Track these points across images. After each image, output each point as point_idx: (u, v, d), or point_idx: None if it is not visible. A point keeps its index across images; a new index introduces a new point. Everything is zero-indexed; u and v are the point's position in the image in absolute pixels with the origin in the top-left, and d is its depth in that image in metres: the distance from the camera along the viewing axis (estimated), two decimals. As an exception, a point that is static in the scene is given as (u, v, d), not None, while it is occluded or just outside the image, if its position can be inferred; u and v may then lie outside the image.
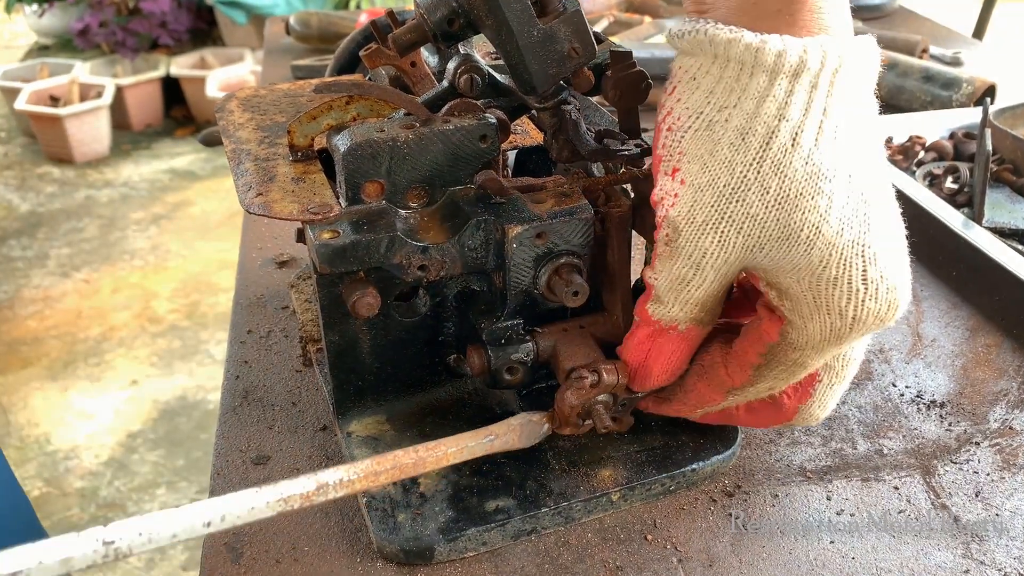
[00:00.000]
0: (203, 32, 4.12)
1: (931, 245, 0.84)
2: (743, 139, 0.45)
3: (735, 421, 0.58)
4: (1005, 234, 0.86)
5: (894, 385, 0.69)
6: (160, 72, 3.81)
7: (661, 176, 0.49)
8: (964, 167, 0.96)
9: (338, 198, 0.55)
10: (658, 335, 0.53)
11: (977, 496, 0.59)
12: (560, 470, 0.59)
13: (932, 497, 0.59)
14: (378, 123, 0.55)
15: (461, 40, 0.61)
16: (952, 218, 0.84)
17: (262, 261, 0.84)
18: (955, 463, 0.62)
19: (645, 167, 0.58)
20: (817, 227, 0.45)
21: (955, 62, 1.34)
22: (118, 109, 3.74)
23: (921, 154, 1.02)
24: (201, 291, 2.80)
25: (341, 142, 0.53)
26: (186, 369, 2.47)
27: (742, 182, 0.45)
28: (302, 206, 0.54)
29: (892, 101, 1.21)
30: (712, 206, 0.46)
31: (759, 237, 0.46)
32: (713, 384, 0.55)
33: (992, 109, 1.01)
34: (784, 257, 0.46)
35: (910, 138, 1.04)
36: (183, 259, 2.98)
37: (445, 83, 0.59)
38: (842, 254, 0.46)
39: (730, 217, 0.46)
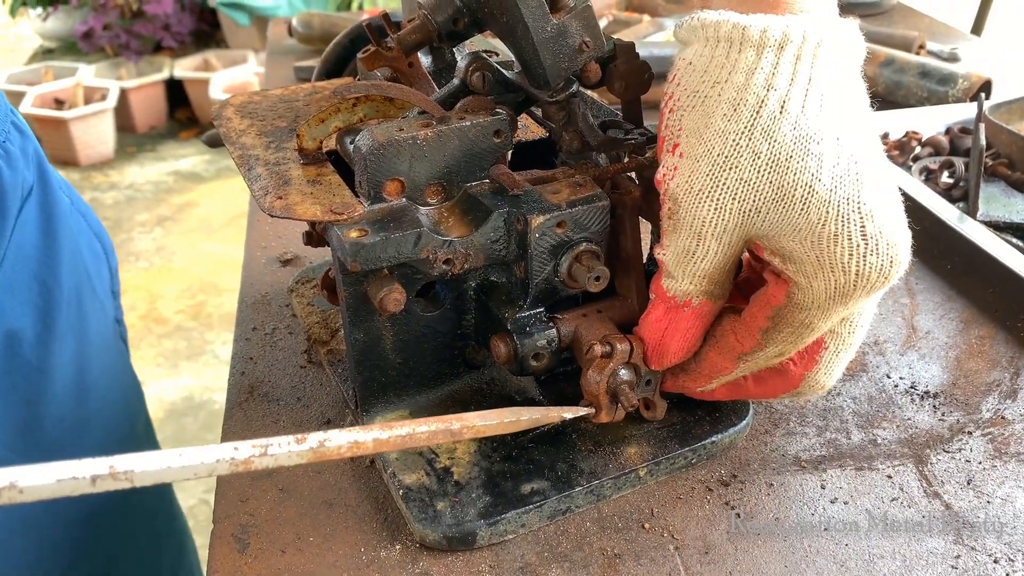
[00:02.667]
0: (206, 34, 4.15)
1: (926, 239, 0.85)
2: (735, 110, 0.48)
3: (744, 393, 0.59)
4: (1000, 228, 0.87)
5: (888, 376, 0.70)
6: (164, 74, 3.84)
7: (664, 154, 0.52)
8: (960, 162, 0.97)
9: (357, 197, 0.56)
10: (674, 311, 0.55)
11: (969, 484, 0.60)
12: (587, 450, 0.60)
13: (924, 486, 0.60)
14: (396, 123, 0.56)
15: (466, 39, 0.62)
16: (947, 212, 0.85)
17: (266, 260, 0.86)
18: (947, 452, 0.63)
19: (648, 155, 0.60)
20: (810, 186, 0.47)
21: (952, 58, 1.35)
22: (122, 112, 3.76)
23: (917, 149, 1.03)
24: (207, 292, 2.82)
25: (363, 142, 0.54)
26: (192, 370, 2.49)
27: (735, 150, 0.48)
28: (324, 207, 0.55)
29: (889, 97, 1.22)
30: (707, 175, 0.49)
31: (754, 201, 0.49)
32: (724, 351, 0.56)
33: (987, 104, 1.02)
34: (782, 219, 0.49)
35: (906, 133, 1.05)
36: (188, 260, 2.99)
37: (456, 81, 0.61)
38: (839, 210, 0.48)
39: (724, 184, 0.49)
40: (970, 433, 0.65)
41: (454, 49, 0.66)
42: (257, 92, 0.73)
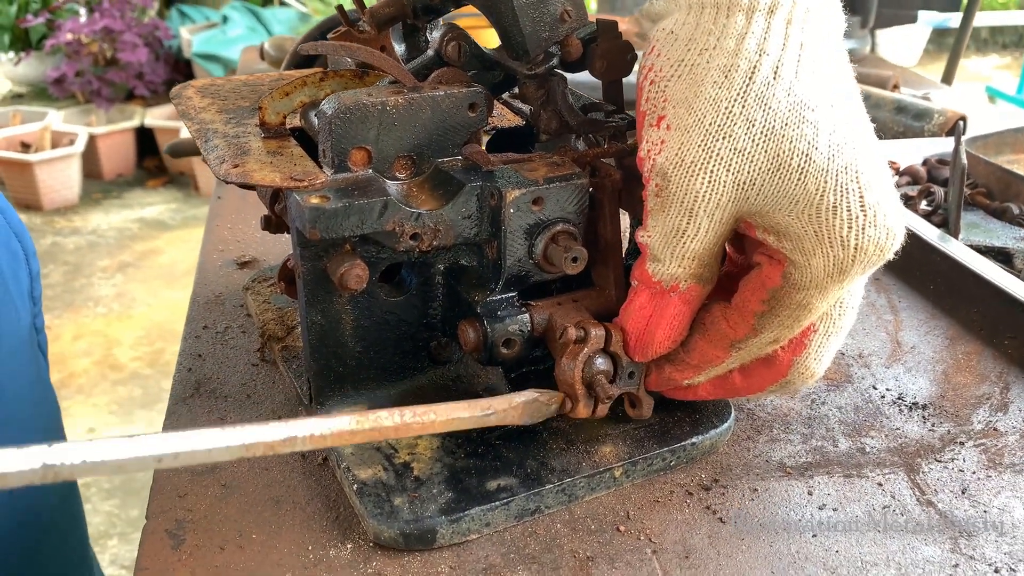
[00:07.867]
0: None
1: (907, 259, 0.82)
2: (726, 76, 0.45)
3: (731, 388, 0.55)
4: (982, 252, 0.85)
5: (875, 387, 0.67)
6: (135, 122, 3.80)
7: (647, 129, 0.48)
8: (939, 189, 0.95)
9: (321, 168, 0.53)
10: (659, 297, 0.51)
11: (964, 494, 0.56)
12: (559, 449, 0.56)
13: (917, 494, 0.56)
14: (365, 89, 0.53)
15: (441, 14, 0.60)
16: (928, 231, 0.83)
17: (223, 262, 0.82)
18: (940, 462, 0.59)
19: (630, 141, 0.57)
20: (806, 154, 0.45)
21: (925, 101, 1.35)
22: (90, 158, 3.72)
23: (895, 178, 1.01)
24: (165, 339, 2.74)
25: (328, 106, 0.51)
26: (146, 417, 2.40)
27: (727, 117, 0.45)
28: (284, 174, 0.52)
29: (864, 134, 1.21)
30: (700, 146, 0.46)
31: (749, 172, 0.46)
32: (715, 340, 0.52)
33: (964, 138, 1.01)
34: (779, 191, 0.46)
35: (884, 164, 1.03)
36: (148, 307, 2.92)
37: (430, 52, 0.58)
38: (837, 179, 0.45)
39: (718, 155, 0.46)
40: (962, 443, 0.61)
41: (428, 26, 0.63)
42: (221, 77, 0.70)
